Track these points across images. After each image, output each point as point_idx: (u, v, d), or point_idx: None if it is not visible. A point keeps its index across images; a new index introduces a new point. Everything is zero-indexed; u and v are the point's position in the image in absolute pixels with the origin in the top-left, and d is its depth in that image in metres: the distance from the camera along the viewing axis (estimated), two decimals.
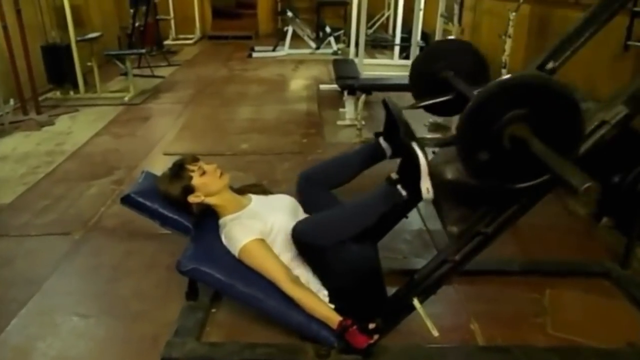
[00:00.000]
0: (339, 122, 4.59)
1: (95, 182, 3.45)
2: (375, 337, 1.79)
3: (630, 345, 1.88)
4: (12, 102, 4.63)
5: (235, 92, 5.94)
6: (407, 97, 5.01)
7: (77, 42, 5.33)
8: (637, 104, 1.57)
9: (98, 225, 2.90)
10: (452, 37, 4.62)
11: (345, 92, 4.52)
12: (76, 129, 4.62)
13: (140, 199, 2.11)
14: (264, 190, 2.27)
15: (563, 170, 1.30)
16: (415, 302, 1.76)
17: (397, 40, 6.74)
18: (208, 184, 2.02)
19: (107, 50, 6.02)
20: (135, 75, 5.96)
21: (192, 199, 2.03)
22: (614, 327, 2.05)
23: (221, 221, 2.05)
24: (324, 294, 1.91)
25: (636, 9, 2.89)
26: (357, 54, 5.66)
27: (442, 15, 5.36)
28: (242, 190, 2.21)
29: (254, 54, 8.03)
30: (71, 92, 5.52)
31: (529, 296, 2.21)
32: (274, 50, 8.12)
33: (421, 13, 5.66)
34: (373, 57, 7.40)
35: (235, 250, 1.92)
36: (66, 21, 5.21)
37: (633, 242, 2.27)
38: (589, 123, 1.55)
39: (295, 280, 1.89)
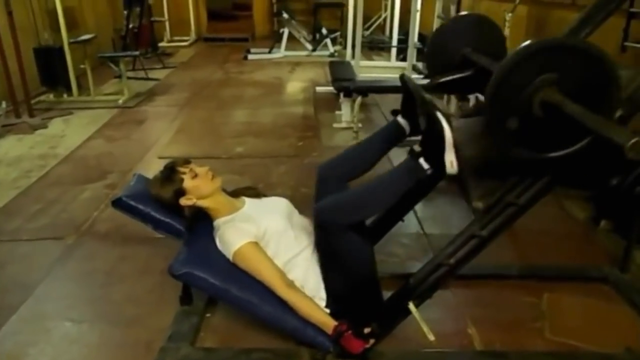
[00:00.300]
0: (336, 125, 4.58)
1: (89, 186, 3.42)
2: (371, 341, 1.78)
3: (629, 350, 1.86)
4: (4, 105, 4.60)
5: (231, 94, 5.92)
6: None
7: (70, 44, 5.31)
8: (633, 105, 1.55)
9: (91, 229, 2.87)
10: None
11: (342, 95, 4.50)
12: (69, 132, 4.59)
13: (132, 203, 2.09)
14: (257, 193, 2.25)
15: (605, 128, 1.26)
16: (411, 306, 1.74)
17: (394, 42, 6.74)
18: (200, 187, 2.00)
19: (101, 53, 6.00)
20: (129, 78, 5.94)
21: (184, 201, 2.00)
22: (613, 332, 2.03)
23: (215, 224, 2.02)
24: (320, 297, 1.88)
25: (633, 9, 2.88)
26: (353, 56, 5.65)
27: (439, 17, 5.35)
28: (235, 193, 2.18)
29: (250, 56, 8.01)
30: (64, 95, 5.49)
31: (527, 300, 2.19)
32: (270, 52, 8.11)
33: (418, 14, 5.64)
34: (370, 59, 7.40)
35: (229, 253, 1.90)
36: (59, 23, 5.18)
37: (632, 246, 2.25)
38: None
39: (290, 284, 1.87)
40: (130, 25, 7.05)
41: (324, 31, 8.19)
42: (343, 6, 8.42)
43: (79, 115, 5.09)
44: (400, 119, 2.11)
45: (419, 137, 1.91)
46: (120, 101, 5.42)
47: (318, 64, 7.44)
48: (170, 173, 2.01)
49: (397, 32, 6.72)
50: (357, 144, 2.25)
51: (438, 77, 2.24)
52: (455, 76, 2.20)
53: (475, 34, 2.21)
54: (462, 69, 2.20)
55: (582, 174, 1.79)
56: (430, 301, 1.81)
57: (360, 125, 4.29)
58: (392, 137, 2.13)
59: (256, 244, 1.89)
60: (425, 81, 2.36)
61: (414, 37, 5.57)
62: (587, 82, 1.38)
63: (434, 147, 1.68)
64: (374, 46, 8.08)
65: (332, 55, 7.84)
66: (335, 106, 4.83)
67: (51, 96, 5.47)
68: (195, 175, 1.99)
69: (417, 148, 1.76)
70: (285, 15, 8.08)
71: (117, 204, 2.11)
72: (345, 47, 6.82)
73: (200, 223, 2.06)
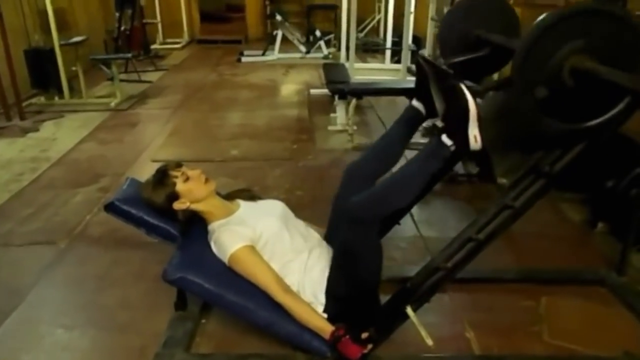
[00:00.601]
0: (330, 128, 4.56)
1: (81, 189, 3.38)
2: (369, 347, 1.76)
3: (628, 354, 1.85)
4: None
5: (224, 97, 5.89)
6: (399, 101, 5.04)
7: (61, 46, 5.25)
8: None
9: (84, 233, 2.83)
10: None
11: (336, 97, 4.48)
12: (61, 135, 4.54)
13: (125, 207, 2.06)
14: (252, 196, 2.23)
15: None
16: (409, 310, 1.72)
17: (388, 44, 6.73)
18: (193, 190, 1.98)
19: (93, 55, 5.95)
20: (121, 80, 5.90)
21: (177, 205, 1.98)
22: (611, 335, 2.02)
23: (210, 227, 2.00)
24: (318, 302, 1.86)
25: None
26: (347, 58, 5.64)
27: (432, 19, 5.35)
28: (230, 196, 2.16)
29: (244, 59, 7.98)
30: (56, 98, 5.43)
31: (525, 304, 2.18)
32: (263, 54, 8.08)
33: (412, 17, 5.64)
34: (364, 61, 7.40)
35: (224, 257, 1.88)
36: (50, 24, 5.13)
37: (628, 249, 2.25)
38: None
39: (287, 288, 1.85)
40: (122, 27, 7.01)
41: (318, 33, 8.17)
42: (336, 8, 8.41)
43: (71, 118, 5.04)
44: (415, 102, 2.06)
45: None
46: (113, 104, 5.37)
47: (312, 66, 7.42)
48: (162, 177, 1.98)
49: (391, 34, 6.71)
50: (380, 139, 2.18)
51: (452, 57, 2.18)
52: (470, 56, 2.14)
53: (488, 15, 2.16)
54: (477, 49, 2.14)
55: (578, 176, 1.78)
56: (427, 305, 1.79)
57: (355, 127, 4.28)
58: (410, 122, 2.09)
59: (252, 247, 1.87)
60: None
61: (408, 40, 5.56)
62: (616, 46, 1.35)
63: (457, 122, 1.63)
64: (368, 48, 8.07)
65: (326, 57, 7.82)
66: (330, 109, 4.82)
67: (42, 99, 5.42)
68: (188, 179, 1.97)
69: (439, 123, 1.72)
70: (278, 17, 8.06)
71: (110, 208, 2.09)
72: (339, 49, 6.80)
73: (194, 227, 2.04)
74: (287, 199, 2.86)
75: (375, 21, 8.61)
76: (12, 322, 2.11)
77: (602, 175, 2.56)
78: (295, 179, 3.52)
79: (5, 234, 2.82)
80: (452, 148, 1.67)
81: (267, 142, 4.32)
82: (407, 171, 1.79)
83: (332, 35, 8.32)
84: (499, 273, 2.35)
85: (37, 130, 4.64)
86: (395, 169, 1.94)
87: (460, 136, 1.62)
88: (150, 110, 5.44)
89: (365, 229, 1.74)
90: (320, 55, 7.97)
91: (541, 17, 1.37)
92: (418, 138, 4.28)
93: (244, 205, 2.08)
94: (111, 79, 5.69)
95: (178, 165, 2.03)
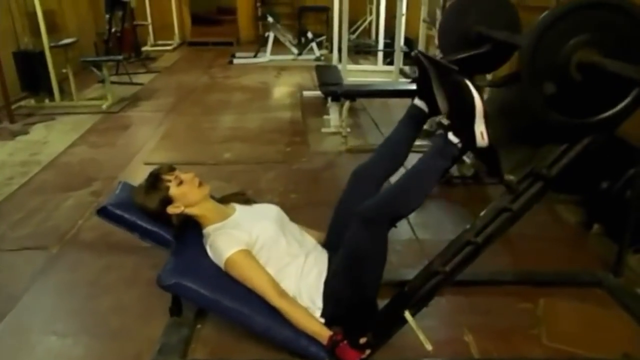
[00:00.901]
0: (324, 130, 4.54)
1: (73, 193, 3.34)
2: (367, 352, 1.74)
3: (627, 357, 1.84)
4: None
5: (217, 99, 5.85)
6: (392, 104, 5.04)
7: (51, 48, 5.20)
8: None
9: (76, 238, 2.79)
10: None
11: (329, 99, 4.47)
12: (52, 138, 4.49)
13: (118, 211, 2.04)
14: (247, 200, 2.21)
15: None
16: (407, 315, 1.71)
17: (380, 46, 6.73)
18: (187, 194, 1.95)
19: (83, 57, 5.90)
20: (112, 83, 5.85)
21: (171, 210, 1.95)
22: (609, 337, 2.02)
23: (205, 231, 1.98)
24: (316, 307, 1.84)
25: None
26: (340, 60, 5.63)
27: (424, 21, 5.35)
28: (225, 200, 2.14)
29: (235, 61, 7.95)
30: (46, 100, 5.39)
31: (523, 307, 2.17)
32: (255, 56, 8.06)
33: (403, 18, 5.64)
34: (357, 63, 7.39)
35: (220, 261, 1.86)
36: (39, 27, 5.08)
37: (624, 250, 2.25)
38: None
39: (283, 292, 1.83)
40: (113, 29, 6.95)
41: (310, 35, 8.16)
42: (328, 10, 8.41)
43: (62, 120, 4.99)
44: (417, 101, 2.05)
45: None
46: (104, 106, 5.33)
47: (304, 68, 7.41)
48: (155, 181, 1.96)
49: (383, 36, 6.71)
50: (385, 141, 2.18)
51: (453, 55, 2.16)
52: (472, 53, 2.13)
53: (488, 11, 2.14)
54: (478, 46, 2.12)
55: (573, 178, 1.78)
56: (425, 309, 1.78)
57: (349, 130, 4.27)
58: (414, 121, 2.08)
59: (248, 251, 1.85)
60: (413, 85, 2.31)
61: (400, 41, 5.56)
62: (623, 39, 1.35)
63: (463, 119, 1.61)
64: (360, 50, 8.07)
65: (318, 59, 7.82)
66: (323, 111, 4.80)
67: (32, 101, 5.37)
68: (181, 182, 1.94)
69: (444, 121, 1.71)
70: (270, 19, 8.04)
71: (102, 213, 2.06)
72: (331, 51, 6.80)
73: (188, 231, 2.01)
74: (281, 202, 2.84)
75: (366, 23, 8.62)
76: (3, 330, 2.08)
77: (597, 176, 2.57)
78: (289, 182, 3.49)
79: None
80: (459, 145, 1.66)
81: (260, 144, 4.30)
82: (417, 172, 1.78)
83: (323, 37, 8.31)
84: (496, 275, 2.34)
85: (27, 133, 4.59)
86: (402, 169, 1.94)
87: (467, 133, 1.61)
88: (142, 112, 5.39)
89: (378, 232, 1.75)
90: (312, 57, 7.97)
91: (547, 12, 1.36)
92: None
93: (239, 209, 2.05)
94: (102, 81, 5.65)
95: (171, 168, 2.00)
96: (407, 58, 6.24)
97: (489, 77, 3.02)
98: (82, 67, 6.00)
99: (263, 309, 1.80)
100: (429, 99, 1.97)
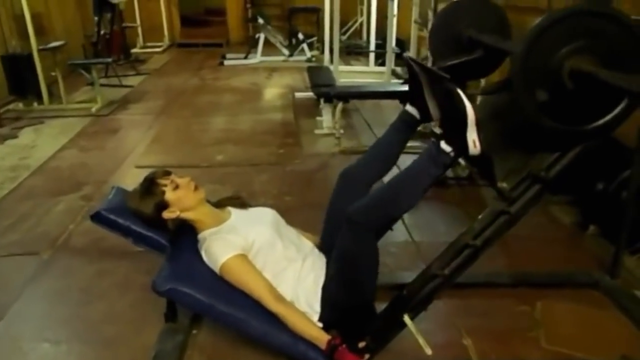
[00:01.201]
0: (317, 131, 4.52)
1: (63, 198, 3.30)
2: (366, 356, 1.72)
3: (625, 358, 1.84)
4: None
5: (207, 101, 5.81)
6: (385, 104, 5.03)
7: (39, 51, 5.14)
8: None
9: (67, 244, 2.75)
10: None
11: (322, 100, 4.45)
12: (41, 142, 4.44)
13: (112, 216, 2.00)
14: (243, 203, 2.18)
15: None
16: (406, 318, 1.69)
17: (372, 46, 6.72)
18: (182, 199, 1.92)
19: (72, 60, 5.84)
20: (102, 85, 5.80)
21: (166, 214, 1.92)
22: (607, 339, 2.02)
23: (200, 236, 1.95)
24: (314, 311, 1.82)
25: None
26: (331, 61, 5.62)
27: (416, 22, 5.34)
28: (220, 204, 2.11)
29: (226, 62, 7.91)
30: (35, 104, 5.31)
31: (520, 309, 2.17)
32: (246, 58, 8.02)
33: (395, 19, 5.63)
34: (348, 64, 7.37)
35: (216, 267, 1.83)
36: (27, 30, 5.02)
37: (621, 251, 2.25)
38: None
39: (280, 297, 1.80)
40: (102, 32, 6.89)
41: (301, 36, 8.14)
42: (319, 11, 8.39)
43: (51, 124, 4.93)
44: (409, 107, 2.02)
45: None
46: (94, 109, 5.27)
47: (295, 69, 7.39)
48: (150, 185, 1.92)
49: (375, 37, 6.70)
50: (376, 143, 2.16)
51: (445, 60, 2.15)
52: (464, 59, 2.11)
53: (479, 16, 2.12)
54: (469, 52, 2.11)
55: (568, 179, 1.77)
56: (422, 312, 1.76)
57: (342, 131, 4.25)
58: (405, 126, 2.05)
59: (244, 256, 1.82)
60: (405, 87, 2.30)
61: (391, 42, 5.56)
62: (616, 48, 1.35)
63: (454, 127, 1.60)
64: (352, 51, 8.06)
65: (309, 60, 7.80)
66: (315, 112, 4.78)
67: (21, 105, 5.29)
68: (177, 187, 1.91)
69: (437, 130, 1.69)
70: (260, 21, 8.01)
71: (96, 218, 2.02)
72: (322, 52, 6.78)
73: (183, 236, 1.98)
74: (275, 204, 2.81)
75: (357, 24, 8.61)
76: None
77: (592, 177, 2.57)
78: (283, 184, 3.47)
79: None
80: (452, 154, 1.64)
81: (253, 147, 4.27)
82: (408, 177, 1.75)
83: (314, 38, 8.29)
84: (492, 277, 2.33)
85: (15, 137, 4.54)
86: (391, 173, 1.92)
87: (459, 142, 1.60)
88: (132, 115, 5.35)
89: (365, 234, 1.72)
90: (303, 58, 7.94)
91: (540, 19, 1.36)
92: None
93: (234, 213, 2.03)
94: (91, 84, 5.59)
95: (166, 173, 1.97)
96: (399, 59, 6.23)
97: (482, 81, 3.03)
98: (70, 70, 5.93)
99: (260, 314, 1.77)
100: (421, 106, 1.96)
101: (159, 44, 9.34)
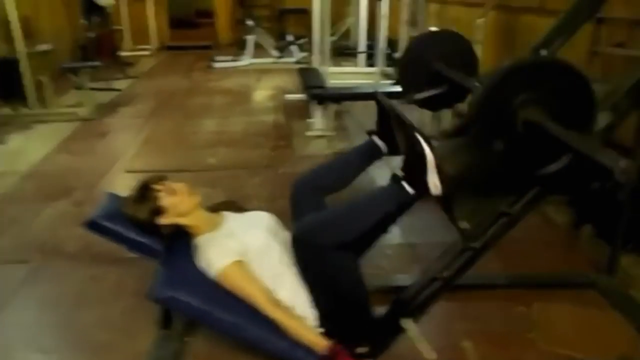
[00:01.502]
0: (308, 133, 4.50)
1: (53, 203, 3.24)
2: None
3: (623, 358, 1.84)
4: None
5: (198, 104, 5.77)
6: (375, 105, 4.99)
7: (27, 54, 5.06)
8: (621, 110, 1.55)
9: (57, 250, 2.70)
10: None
11: (314, 102, 4.43)
12: (29, 147, 4.37)
13: (106, 223, 1.97)
14: (238, 207, 2.16)
15: (591, 149, 1.26)
16: (408, 323, 1.67)
17: (362, 48, 6.70)
18: (178, 204, 1.89)
19: (60, 63, 5.77)
20: (90, 89, 5.72)
21: (162, 221, 1.89)
22: (605, 339, 2.02)
23: (195, 242, 1.92)
24: (311, 316, 1.79)
25: (600, 15, 2.90)
26: (321, 62, 5.59)
27: (407, 22, 5.34)
28: (215, 208, 2.08)
29: (215, 64, 7.87)
30: (22, 108, 5.23)
31: (517, 310, 2.16)
32: (235, 60, 7.98)
33: (385, 20, 5.62)
34: (338, 65, 7.33)
35: (212, 273, 1.80)
36: (14, 33, 4.94)
37: (617, 251, 2.25)
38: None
39: (278, 302, 1.78)
40: (90, 35, 6.82)
41: (290, 38, 8.12)
42: (308, 12, 8.37)
43: (39, 129, 4.87)
44: (376, 139, 2.08)
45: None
46: (82, 113, 5.20)
47: (285, 71, 7.37)
48: (146, 191, 1.89)
49: (365, 38, 6.68)
50: (333, 160, 2.25)
51: (413, 94, 2.29)
52: (430, 93, 2.24)
53: (447, 50, 2.24)
54: (436, 85, 2.23)
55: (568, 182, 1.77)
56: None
57: (334, 133, 4.23)
58: (368, 157, 2.11)
59: (241, 262, 1.80)
60: (397, 87, 2.36)
61: (381, 43, 5.55)
62: (565, 99, 1.39)
63: (415, 170, 1.65)
64: (341, 52, 8.04)
65: (299, 62, 7.78)
66: (306, 114, 4.76)
67: (7, 110, 5.21)
68: (173, 192, 1.89)
69: (399, 172, 1.72)
70: (250, 22, 7.98)
71: (90, 225, 1.99)
72: (312, 54, 6.76)
73: (178, 242, 1.95)
74: (269, 208, 2.77)
75: (347, 25, 8.60)
76: None
77: (586, 177, 2.56)
78: (276, 187, 3.44)
79: None
80: (413, 194, 1.68)
81: (245, 149, 4.24)
82: (361, 206, 1.76)
83: (304, 40, 8.27)
84: (488, 279, 2.32)
85: (3, 142, 4.47)
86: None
87: (420, 184, 1.65)
88: (121, 119, 5.30)
89: (313, 255, 1.72)
90: (293, 59, 7.92)
91: (496, 70, 1.40)
92: None
93: (230, 218, 2.00)
94: (79, 87, 5.52)
95: (162, 178, 1.94)
96: (389, 60, 6.22)
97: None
98: (58, 74, 5.86)
99: (257, 320, 1.74)
100: (389, 139, 2.02)
101: (148, 46, 9.28)
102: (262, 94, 6.32)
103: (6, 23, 5.11)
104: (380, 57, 5.51)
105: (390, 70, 6.09)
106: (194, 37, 10.02)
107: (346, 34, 8.66)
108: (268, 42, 8.19)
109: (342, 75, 5.87)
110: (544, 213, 2.97)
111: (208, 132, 4.73)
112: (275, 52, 8.08)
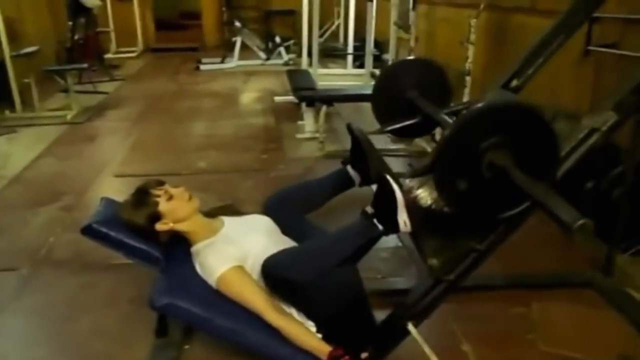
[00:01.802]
0: (299, 136, 4.48)
1: (42, 209, 3.18)
2: None
3: (623, 358, 1.84)
4: None
5: (186, 107, 5.72)
6: (365, 106, 4.99)
7: (11, 57, 5.00)
8: (625, 109, 1.56)
9: (48, 257, 2.65)
10: (411, 56, 4.54)
11: (304, 104, 4.41)
12: (15, 151, 4.30)
13: (104, 229, 1.92)
14: (235, 211, 2.14)
15: (552, 203, 1.28)
16: (411, 327, 1.66)
17: (350, 49, 6.72)
18: (176, 210, 1.87)
19: (45, 66, 5.68)
20: (76, 92, 5.65)
21: (159, 226, 1.86)
22: (604, 338, 2.02)
23: (194, 249, 1.89)
24: (310, 323, 1.78)
25: (595, 15, 2.92)
26: (310, 64, 5.59)
27: (395, 23, 5.35)
28: (212, 213, 2.06)
29: (202, 67, 7.81)
30: (7, 112, 5.15)
31: (516, 311, 2.15)
32: (222, 62, 7.93)
33: (373, 21, 5.64)
34: (325, 66, 7.34)
35: (212, 280, 1.78)
36: None
37: (614, 250, 2.26)
38: (575, 134, 1.55)
39: (279, 308, 1.76)
40: (76, 37, 6.73)
41: (278, 39, 8.09)
42: (295, 13, 8.36)
43: (25, 133, 4.79)
44: (349, 169, 2.10)
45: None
46: (69, 117, 5.14)
47: (273, 73, 7.34)
48: (143, 196, 1.87)
49: (353, 39, 6.70)
50: (305, 183, 2.32)
51: (386, 124, 2.28)
52: (403, 124, 2.24)
53: (421, 78, 2.24)
54: (409, 115, 2.22)
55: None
56: None
57: (325, 135, 4.21)
58: (340, 186, 2.14)
59: (241, 267, 1.78)
60: None
61: (370, 44, 5.56)
62: (533, 145, 1.40)
63: (385, 208, 1.66)
64: (329, 54, 8.03)
65: (286, 63, 7.76)
66: (296, 116, 4.74)
67: None
68: (171, 197, 1.86)
69: (369, 210, 1.72)
70: (237, 24, 7.93)
71: (87, 231, 1.94)
72: (299, 55, 6.75)
73: (176, 248, 1.93)
74: (262, 212, 2.76)
75: (334, 26, 8.60)
76: None
77: (581, 176, 2.57)
78: (268, 190, 3.35)
79: None
80: (382, 231, 1.69)
81: (235, 152, 4.21)
82: (330, 242, 1.78)
83: (292, 41, 8.25)
84: (486, 280, 2.31)
85: None
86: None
87: (390, 222, 1.66)
88: (109, 122, 5.23)
89: (288, 289, 1.73)
90: (280, 61, 7.90)
91: (464, 112, 1.41)
92: (388, 144, 4.25)
93: (227, 222, 1.98)
94: (65, 90, 5.45)
95: (160, 183, 1.91)
96: (377, 61, 6.24)
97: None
98: (44, 77, 5.77)
99: (258, 326, 1.72)
100: (362, 170, 2.05)
101: (133, 48, 9.20)
102: (250, 96, 6.29)
103: None
104: (368, 58, 5.51)
105: (377, 71, 6.11)
106: (179, 39, 9.95)
107: (333, 35, 8.67)
108: (255, 43, 8.14)
109: (330, 77, 5.89)
110: (540, 214, 2.96)
111: (197, 136, 4.69)
112: (262, 54, 8.04)
